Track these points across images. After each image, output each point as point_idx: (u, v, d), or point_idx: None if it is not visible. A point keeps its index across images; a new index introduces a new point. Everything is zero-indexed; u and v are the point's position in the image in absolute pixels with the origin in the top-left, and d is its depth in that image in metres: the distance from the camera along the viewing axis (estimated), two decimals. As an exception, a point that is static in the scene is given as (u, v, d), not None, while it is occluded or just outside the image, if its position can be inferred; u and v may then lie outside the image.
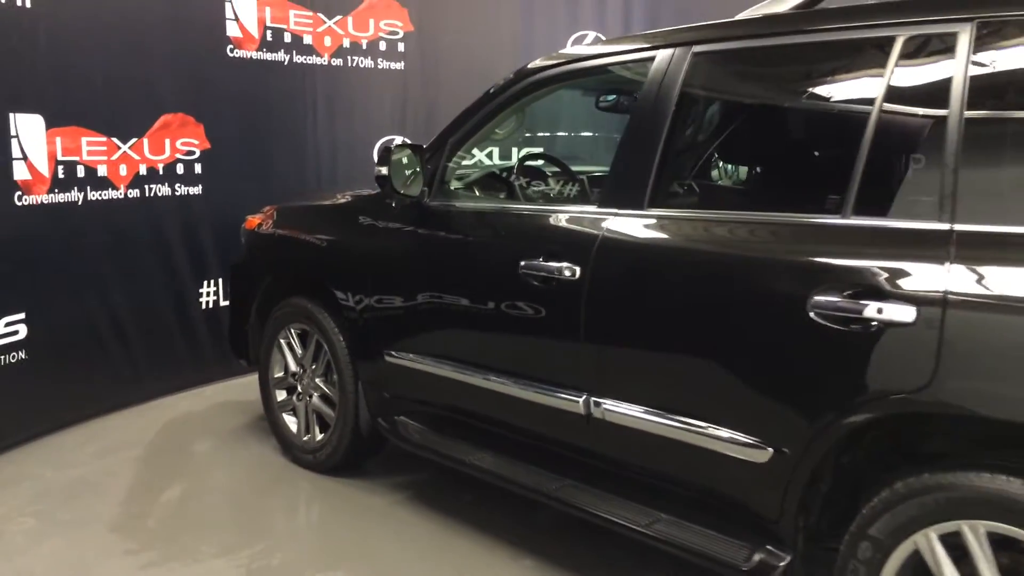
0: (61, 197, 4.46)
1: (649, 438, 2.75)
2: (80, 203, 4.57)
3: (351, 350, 3.81)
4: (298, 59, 5.76)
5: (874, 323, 2.21)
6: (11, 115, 4.12)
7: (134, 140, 4.86)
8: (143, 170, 4.92)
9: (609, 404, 2.84)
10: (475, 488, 3.67)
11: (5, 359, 4.21)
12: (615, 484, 2.97)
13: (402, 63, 6.23)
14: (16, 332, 4.26)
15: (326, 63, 5.89)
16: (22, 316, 4.28)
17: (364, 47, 6.08)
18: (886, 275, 2.22)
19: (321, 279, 3.94)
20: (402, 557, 3.33)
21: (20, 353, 4.29)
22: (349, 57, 6.01)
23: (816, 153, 2.59)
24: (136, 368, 4.95)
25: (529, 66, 3.37)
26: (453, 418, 3.53)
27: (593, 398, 2.89)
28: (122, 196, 4.81)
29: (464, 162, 3.81)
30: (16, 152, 4.16)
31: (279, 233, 4.23)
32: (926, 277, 2.15)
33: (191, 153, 5.19)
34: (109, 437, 4.51)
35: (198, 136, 5.23)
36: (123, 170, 4.80)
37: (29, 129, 4.22)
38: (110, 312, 4.79)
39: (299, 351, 4.13)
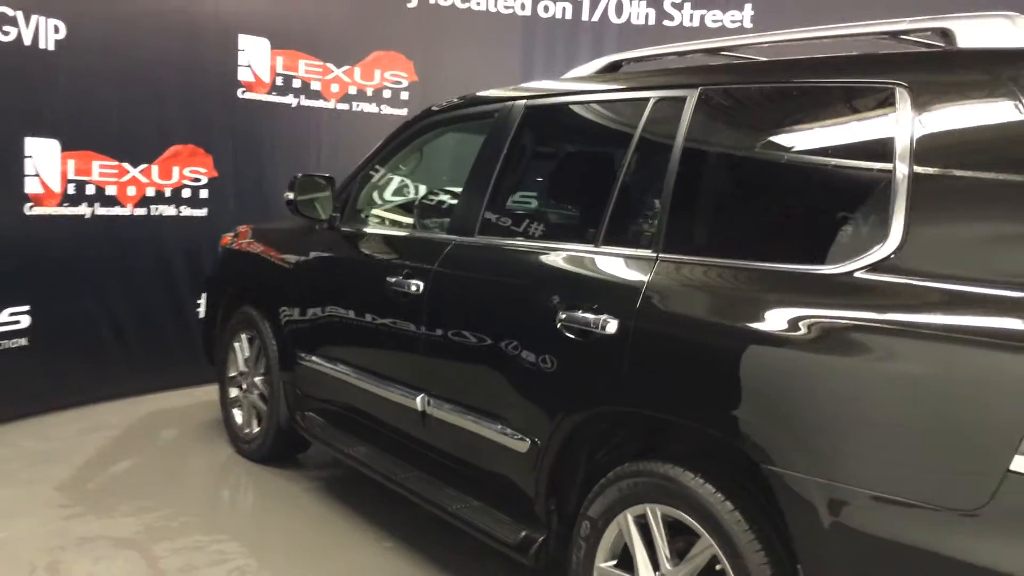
0: (70, 210, 5.22)
1: (458, 431, 3.20)
2: (88, 216, 5.32)
3: (279, 353, 4.37)
4: (306, 103, 6.46)
5: (592, 335, 2.62)
6: (26, 138, 4.90)
7: (144, 166, 5.60)
8: (150, 192, 5.66)
9: (434, 402, 3.31)
10: (378, 483, 4.12)
11: (7, 344, 4.95)
12: (444, 472, 3.41)
13: (405, 110, 6.85)
14: (19, 322, 5.01)
15: (332, 107, 6.58)
16: (26, 308, 5.03)
17: (369, 94, 6.74)
18: (605, 294, 2.64)
19: (260, 290, 4.53)
20: (286, 531, 3.83)
21: (22, 340, 5.03)
22: (354, 103, 6.68)
23: (585, 194, 3.02)
24: (132, 365, 5.64)
25: (424, 111, 3.92)
26: (343, 414, 4.03)
27: (426, 397, 3.35)
28: (129, 213, 5.55)
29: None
30: (29, 170, 4.94)
31: (239, 250, 4.86)
32: (629, 296, 2.56)
33: (198, 180, 5.92)
34: (94, 420, 5.19)
35: (206, 165, 5.96)
36: (131, 191, 5.55)
37: (43, 151, 5.00)
38: (110, 312, 5.50)
39: (246, 354, 4.72)
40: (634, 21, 7.11)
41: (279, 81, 6.32)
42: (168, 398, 5.73)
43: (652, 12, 7.15)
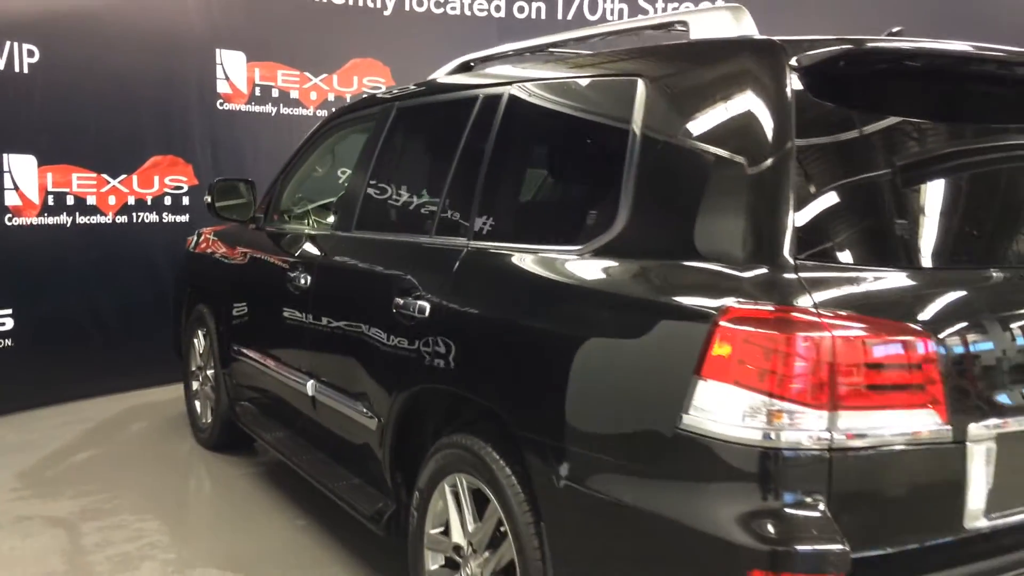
0: (50, 220, 5.62)
1: (335, 414, 3.41)
2: (69, 225, 5.72)
3: (219, 347, 4.66)
4: (285, 111, 6.77)
5: (414, 319, 2.81)
6: (3, 155, 5.31)
7: (124, 176, 5.98)
8: (131, 200, 6.04)
9: (319, 387, 3.53)
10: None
11: (-8, 345, 5.37)
12: (334, 453, 3.62)
13: (384, 114, 7.10)
14: (3, 323, 5.41)
15: (311, 114, 6.86)
16: (9, 312, 5.43)
17: (348, 100, 7.01)
18: (427, 280, 2.82)
19: (208, 288, 4.83)
20: (210, 511, 4.11)
21: (7, 340, 5.44)
22: (333, 109, 6.95)
23: (430, 188, 3.19)
24: (114, 363, 6.00)
25: (331, 114, 4.15)
26: (265, 403, 4.28)
27: (314, 383, 3.58)
28: (110, 221, 5.94)
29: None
30: (8, 183, 5.35)
31: (196, 252, 5.17)
32: (441, 282, 2.74)
33: (179, 188, 6.28)
34: (73, 415, 5.56)
35: (187, 174, 6.31)
36: (112, 200, 5.93)
37: (21, 166, 5.40)
38: (93, 314, 5.89)
39: (201, 349, 5.03)
40: (608, 18, 7.23)
41: (257, 91, 6.64)
42: (148, 395, 6.08)
43: (625, 8, 7.26)
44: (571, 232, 2.39)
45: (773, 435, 1.81)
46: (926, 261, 2.08)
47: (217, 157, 6.43)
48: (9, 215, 5.41)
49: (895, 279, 1.99)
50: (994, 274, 2.12)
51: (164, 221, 6.23)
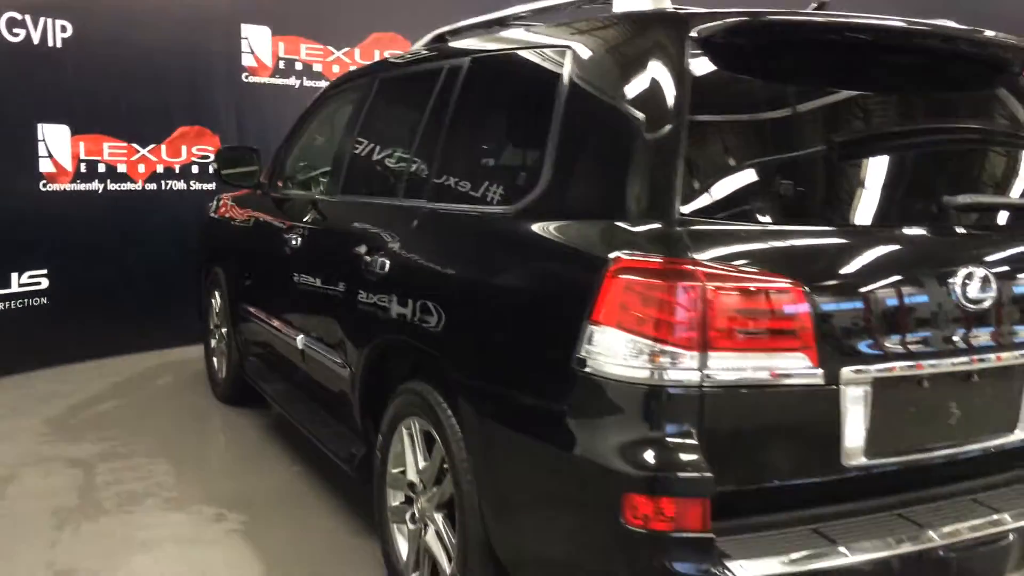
0: (83, 186, 5.98)
1: (320, 365, 3.66)
2: (100, 192, 6.08)
3: (229, 304, 4.96)
4: (308, 84, 7.02)
5: (377, 275, 3.04)
6: (39, 125, 5.67)
7: (152, 145, 6.32)
8: (160, 169, 6.37)
9: (307, 341, 3.79)
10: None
11: (29, 303, 5.76)
12: (321, 402, 3.89)
13: (404, 86, 7.33)
14: (39, 283, 5.80)
15: (334, 86, 7.11)
16: (44, 272, 5.81)
17: (368, 73, 7.24)
18: (390, 239, 3.05)
19: (222, 251, 5.13)
20: (216, 457, 4.43)
21: (43, 299, 5.83)
22: (354, 81, 7.20)
23: (404, 153, 3.39)
24: (145, 322, 6.36)
25: (330, 83, 4.39)
26: (268, 357, 4.57)
27: (303, 337, 3.84)
28: (140, 188, 6.28)
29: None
30: (43, 152, 5.71)
31: (213, 217, 5.47)
32: (399, 240, 2.97)
33: (206, 157, 6.59)
34: (104, 370, 5.94)
35: (213, 144, 6.62)
36: (141, 168, 6.28)
37: (54, 135, 5.76)
38: (125, 276, 6.24)
39: (217, 308, 5.34)
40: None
41: (281, 65, 6.91)
42: (176, 353, 6.43)
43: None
44: (505, 194, 2.59)
45: (652, 374, 2.00)
46: (806, 219, 2.24)
47: (242, 128, 6.72)
48: (44, 181, 5.77)
49: (774, 235, 2.16)
50: (871, 230, 2.28)
51: (191, 189, 6.55)
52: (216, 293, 5.34)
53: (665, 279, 2.01)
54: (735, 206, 2.19)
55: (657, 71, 2.22)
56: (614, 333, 2.04)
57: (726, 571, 1.97)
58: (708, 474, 1.97)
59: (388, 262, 2.98)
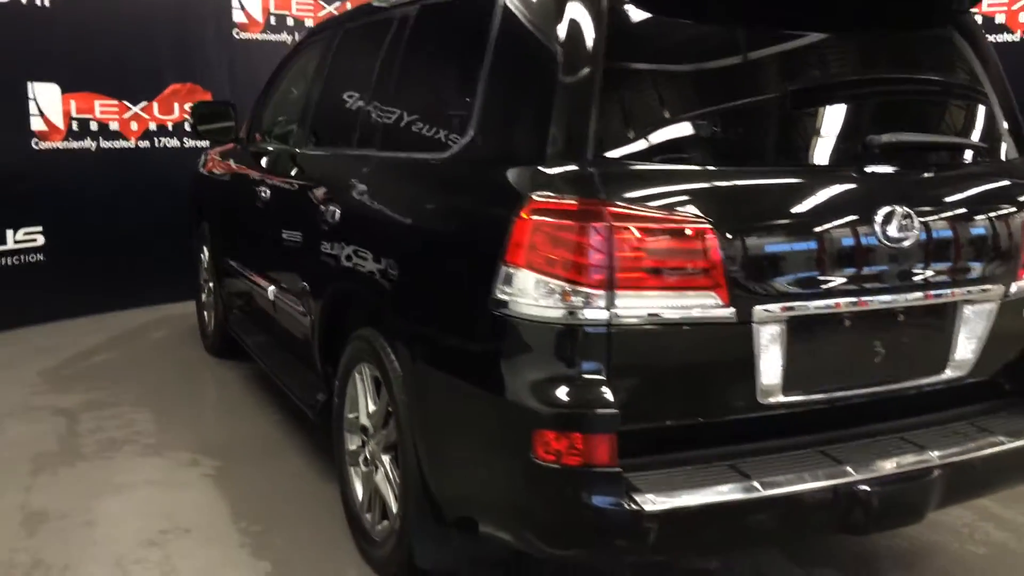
0: (75, 144, 6.05)
1: (288, 315, 3.73)
2: (94, 149, 6.15)
3: (213, 258, 5.04)
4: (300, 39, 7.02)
5: (332, 224, 3.08)
6: (29, 83, 5.74)
7: (144, 103, 6.37)
8: (153, 126, 6.44)
9: (277, 291, 3.85)
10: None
11: (26, 259, 5.87)
12: (293, 351, 3.96)
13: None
14: (35, 240, 5.91)
15: (326, 41, 7.11)
16: (40, 229, 5.92)
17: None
18: (344, 188, 3.08)
19: (206, 206, 5.20)
20: (198, 406, 4.53)
21: (39, 256, 5.94)
22: (346, 36, 7.20)
23: (355, 104, 3.40)
24: (141, 279, 6.44)
25: (303, 36, 4.41)
26: (248, 310, 4.64)
27: (274, 288, 3.90)
28: (133, 146, 6.35)
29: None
30: (34, 110, 5.79)
31: (201, 172, 5.53)
32: (350, 188, 3.01)
33: (199, 114, 6.62)
34: (101, 324, 6.07)
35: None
36: (134, 126, 6.34)
37: (45, 93, 5.83)
38: (121, 233, 6.32)
39: (205, 263, 5.42)
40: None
41: (273, 20, 6.92)
42: (172, 308, 6.52)
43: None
44: (442, 141, 2.61)
45: (561, 314, 2.04)
46: (722, 160, 2.25)
47: (235, 84, 6.74)
48: (36, 140, 5.85)
49: (689, 176, 2.18)
50: (789, 171, 2.28)
51: (185, 146, 6.61)
52: (204, 248, 5.41)
53: (574, 219, 2.03)
54: (651, 148, 2.21)
55: (576, 13, 2.22)
56: (526, 274, 2.08)
57: (633, 504, 2.02)
58: (614, 410, 2.01)
59: (339, 211, 3.03)
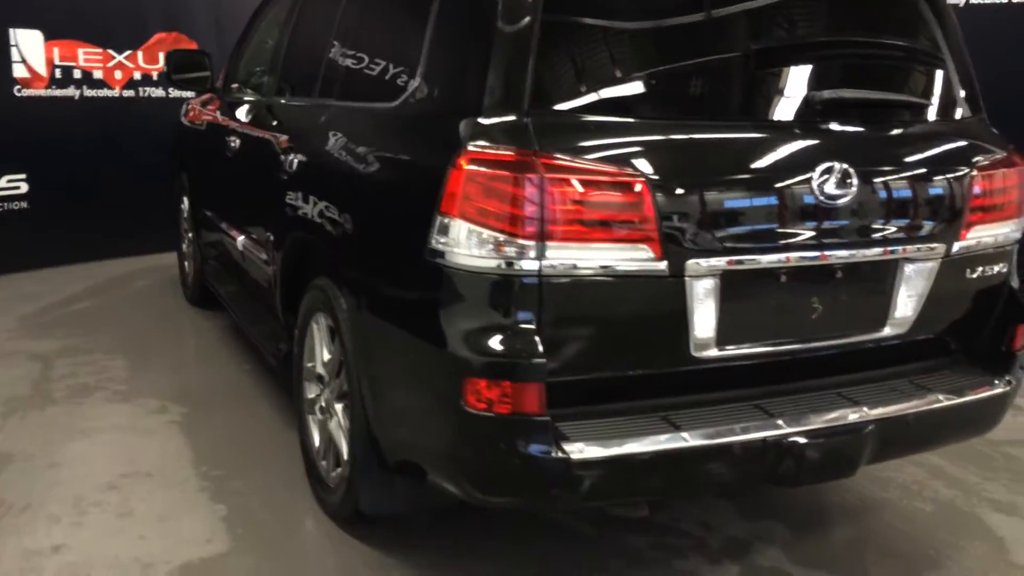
0: (58, 92, 6.04)
1: (254, 264, 3.76)
2: (77, 98, 6.14)
3: (191, 209, 5.06)
4: (287, -11, 6.96)
5: (289, 173, 3.10)
6: (11, 30, 5.72)
7: (129, 52, 6.35)
8: (137, 76, 6.42)
9: (246, 242, 3.88)
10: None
11: (9, 207, 5.90)
12: (261, 301, 3.99)
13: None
14: (18, 187, 5.93)
15: (313, -8, 7.05)
16: (23, 176, 5.94)
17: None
18: (304, 137, 3.10)
19: (185, 157, 5.21)
20: (171, 354, 4.57)
21: (23, 203, 5.97)
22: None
23: (318, 55, 3.40)
24: (126, 229, 6.46)
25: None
26: (222, 260, 4.67)
27: (243, 239, 3.93)
28: (117, 95, 6.34)
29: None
30: (16, 56, 5.77)
31: (181, 123, 5.52)
32: (308, 138, 3.02)
33: (184, 64, 6.59)
34: (85, 272, 6.11)
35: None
36: (118, 75, 6.32)
37: (27, 40, 5.81)
38: (105, 182, 6.34)
39: (185, 213, 5.44)
40: None
41: (259, -30, 6.83)
42: (158, 258, 6.53)
43: None
44: (392, 90, 2.61)
45: (493, 264, 2.06)
46: (656, 113, 2.25)
47: (221, 34, 6.70)
48: (18, 87, 5.85)
49: (623, 129, 2.18)
50: (727, 125, 2.28)
51: (170, 96, 6.59)
52: (184, 198, 5.43)
53: (508, 170, 2.04)
54: (590, 101, 2.21)
55: (516, -36, 2.21)
56: (460, 223, 2.09)
57: (561, 452, 2.06)
58: (543, 360, 2.04)
59: (297, 160, 3.04)
